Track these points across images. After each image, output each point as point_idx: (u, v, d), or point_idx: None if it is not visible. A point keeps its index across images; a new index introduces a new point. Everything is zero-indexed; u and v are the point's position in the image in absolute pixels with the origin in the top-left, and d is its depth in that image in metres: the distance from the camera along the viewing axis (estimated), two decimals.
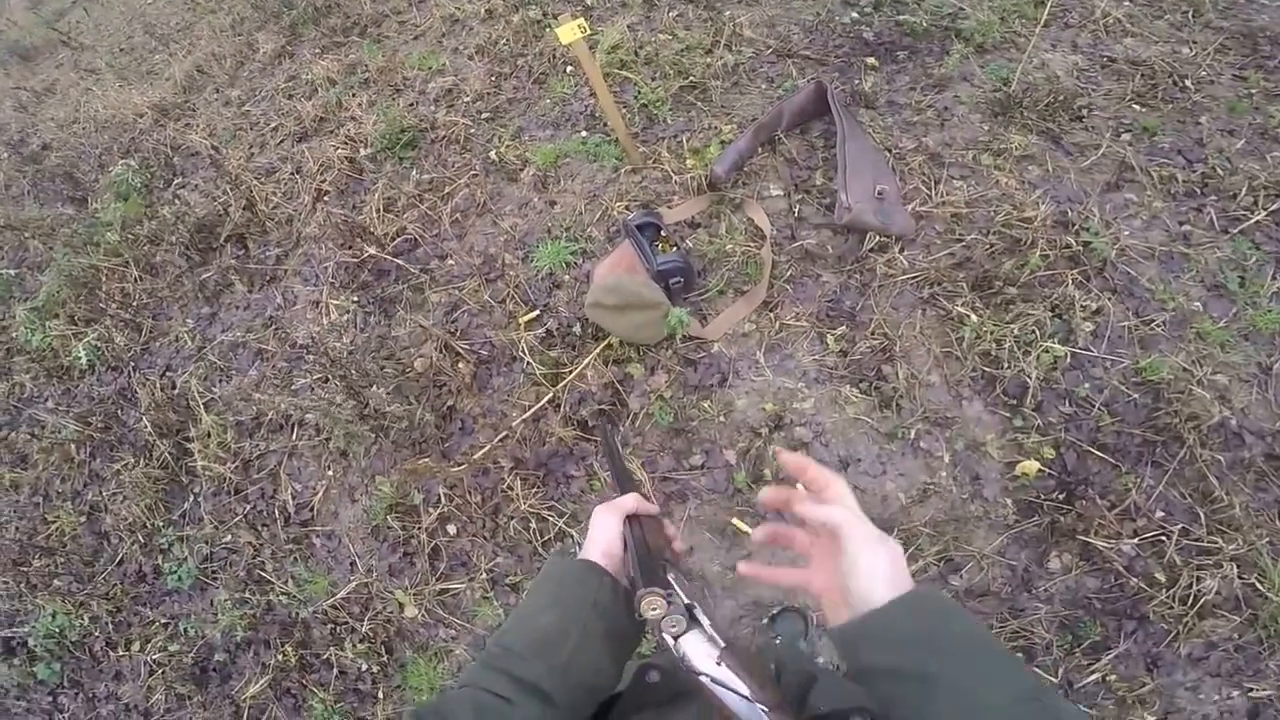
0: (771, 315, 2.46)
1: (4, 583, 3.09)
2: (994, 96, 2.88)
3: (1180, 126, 2.72)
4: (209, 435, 2.99)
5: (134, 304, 3.59)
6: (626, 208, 2.79)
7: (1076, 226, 2.41)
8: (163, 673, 2.68)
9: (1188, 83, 2.84)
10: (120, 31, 7.59)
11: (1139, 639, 1.85)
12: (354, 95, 3.93)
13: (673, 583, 0.72)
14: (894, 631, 0.63)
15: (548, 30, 3.64)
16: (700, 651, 0.67)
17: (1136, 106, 2.81)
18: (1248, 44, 2.97)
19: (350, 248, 3.12)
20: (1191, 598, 1.82)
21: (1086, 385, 2.15)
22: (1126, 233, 2.42)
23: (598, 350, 2.55)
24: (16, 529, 3.27)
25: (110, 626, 2.85)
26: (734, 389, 2.38)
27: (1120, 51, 3.05)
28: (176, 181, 4.14)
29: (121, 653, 2.81)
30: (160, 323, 3.50)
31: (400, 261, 3.02)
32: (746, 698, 0.61)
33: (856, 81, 3.03)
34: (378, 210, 3.16)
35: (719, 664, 0.65)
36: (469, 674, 0.73)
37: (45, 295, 3.77)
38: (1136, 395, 2.12)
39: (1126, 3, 3.28)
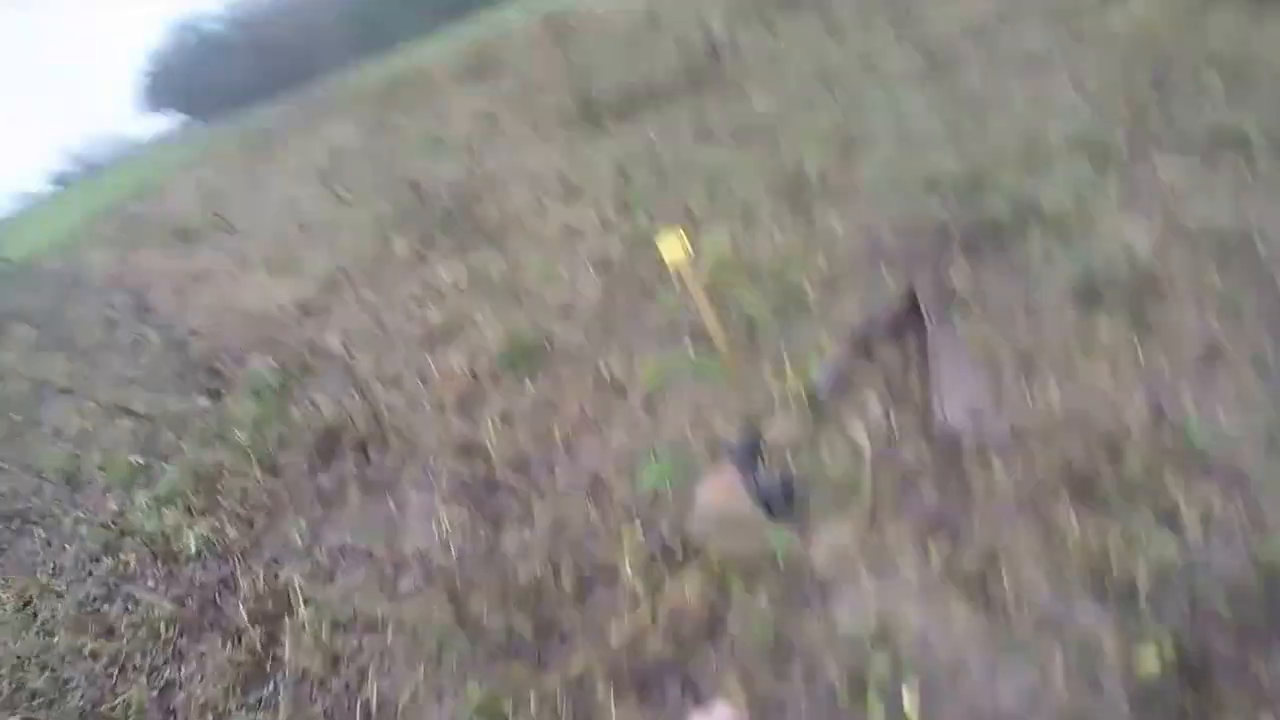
0: (872, 531, 2.74)
1: None
2: (1078, 282, 3.25)
3: (1260, 295, 2.99)
4: (303, 628, 3.35)
5: (251, 502, 4.18)
6: (730, 424, 3.25)
7: (1172, 420, 2.66)
8: None
9: (1259, 245, 3.16)
10: (272, 221, 9.35)
11: None
12: (479, 304, 4.74)
13: None
14: None
15: (657, 239, 4.39)
16: None
17: (1216, 276, 3.12)
18: None
19: (466, 462, 3.70)
20: None
21: (1201, 577, 2.27)
22: (1223, 418, 2.62)
23: (699, 568, 2.91)
24: (83, 695, 3.59)
25: None
26: (836, 605, 2.60)
27: (1191, 218, 3.43)
28: (310, 383, 4.93)
29: None
30: (274, 520, 4.05)
31: (512, 477, 3.55)
32: None
33: (946, 280, 3.49)
34: (494, 424, 3.76)
35: None
36: None
37: (167, 486, 4.45)
38: (1257, 582, 2.22)
39: (1186, 164, 3.73)
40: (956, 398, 2.89)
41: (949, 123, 4.94)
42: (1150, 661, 2.18)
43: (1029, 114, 4.82)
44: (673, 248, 3.04)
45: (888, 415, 3.09)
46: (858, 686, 2.41)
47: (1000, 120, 4.83)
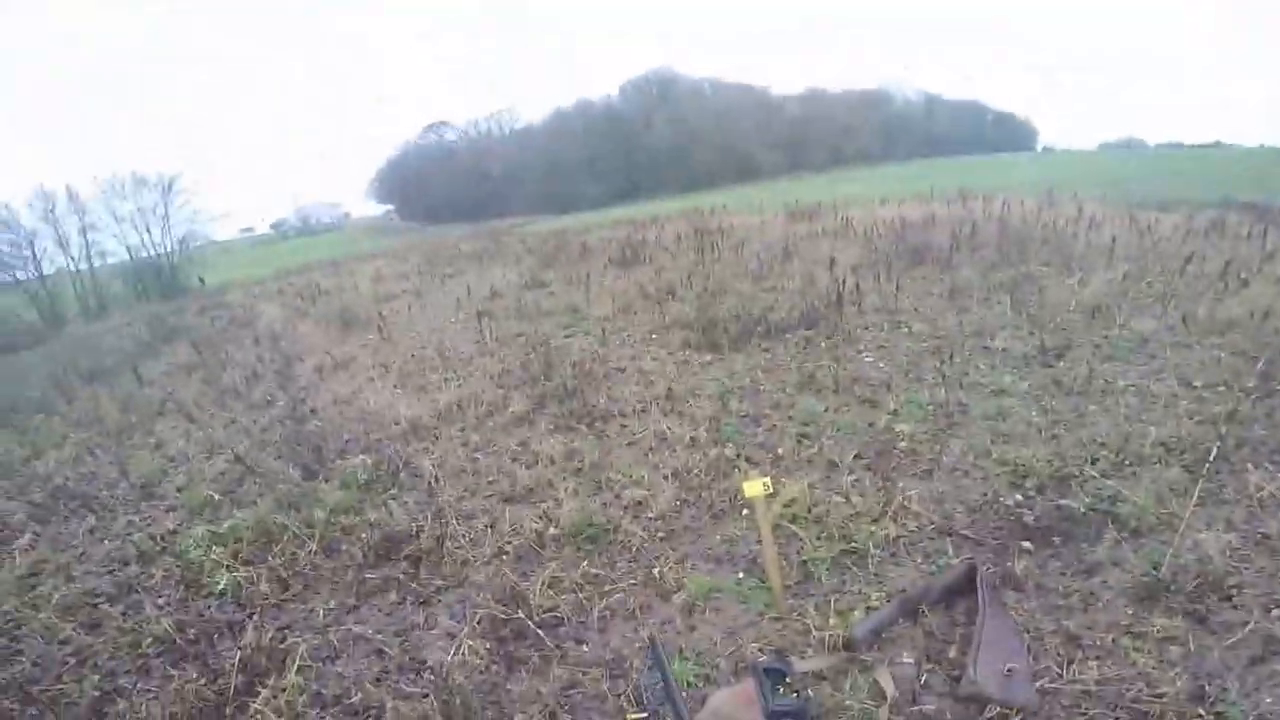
0: None
1: None
2: (1142, 581, 3.27)
3: None
4: (284, 690, 3.38)
5: (296, 568, 4.37)
6: (760, 650, 3.30)
7: (1212, 699, 2.66)
8: None
9: None
10: (421, 337, 10.26)
11: None
12: (564, 479, 5.06)
13: None
14: None
15: (736, 470, 4.62)
16: None
17: None
18: None
19: (504, 605, 3.83)
20: None
21: None
22: (1269, 700, 2.63)
23: None
24: (24, 672, 3.73)
25: None
26: None
27: (1275, 527, 3.40)
28: (391, 492, 5.24)
29: None
30: (307, 593, 4.20)
31: (541, 632, 3.63)
32: None
33: (1009, 563, 3.57)
34: (542, 583, 3.92)
35: None
36: None
37: (230, 527, 4.72)
38: None
39: (1278, 471, 3.73)
40: (991, 661, 2.96)
41: (1047, 410, 5.15)
42: None
43: (1129, 409, 4.99)
44: (754, 487, 3.34)
45: (919, 670, 3.12)
46: None
47: (1098, 414, 5.01)
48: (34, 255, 38.42)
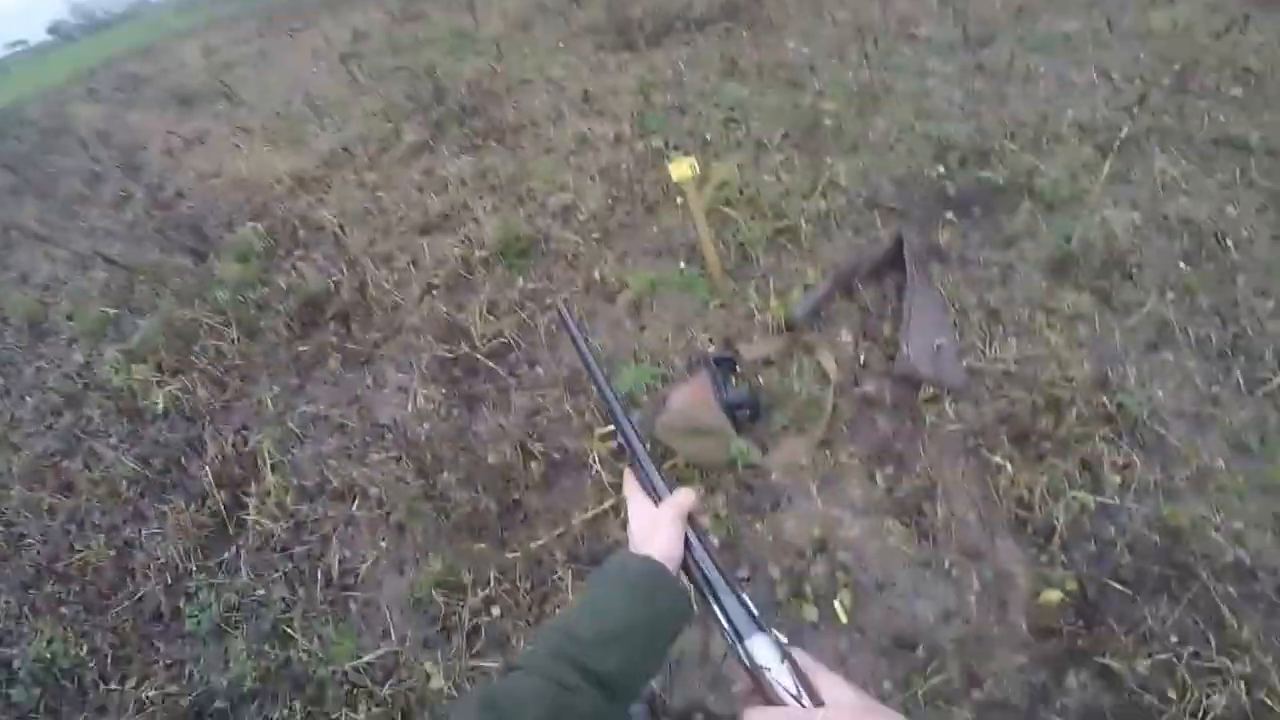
0: (827, 452, 2.93)
1: (5, 602, 3.44)
2: (1055, 255, 3.47)
3: (1219, 286, 3.24)
4: (269, 494, 3.43)
5: (225, 363, 4.20)
6: (710, 340, 3.38)
7: (1114, 386, 2.88)
8: (153, 712, 2.87)
9: (1229, 242, 3.43)
10: (280, 94, 9.23)
11: None
12: (480, 198, 4.81)
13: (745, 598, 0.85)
14: None
15: (666, 160, 4.46)
16: (766, 651, 0.79)
17: (1183, 265, 3.37)
18: None
19: (447, 343, 3.75)
20: (1202, 712, 2.09)
21: (1111, 528, 2.53)
22: (1160, 392, 2.87)
23: (663, 468, 3.04)
24: (39, 552, 3.68)
25: (109, 660, 3.11)
26: (785, 514, 2.80)
27: (1174, 210, 3.67)
28: (297, 253, 4.94)
29: (113, 687, 3.03)
30: (247, 385, 4.09)
31: (492, 363, 3.61)
32: (795, 696, 0.74)
33: (934, 235, 3.71)
34: (480, 311, 3.81)
35: (783, 662, 0.77)
36: (530, 660, 0.80)
37: (140, 340, 4.44)
38: (1157, 538, 2.47)
39: (1183, 161, 3.98)
40: (921, 340, 3.07)
41: (970, 93, 5.06)
42: (1053, 596, 2.43)
43: (1048, 93, 4.97)
44: (681, 168, 3.13)
45: (857, 349, 3.26)
46: (796, 586, 2.62)
47: (1019, 96, 4.97)
48: None
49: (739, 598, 0.84)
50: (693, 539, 0.92)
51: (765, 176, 4.27)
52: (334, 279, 4.42)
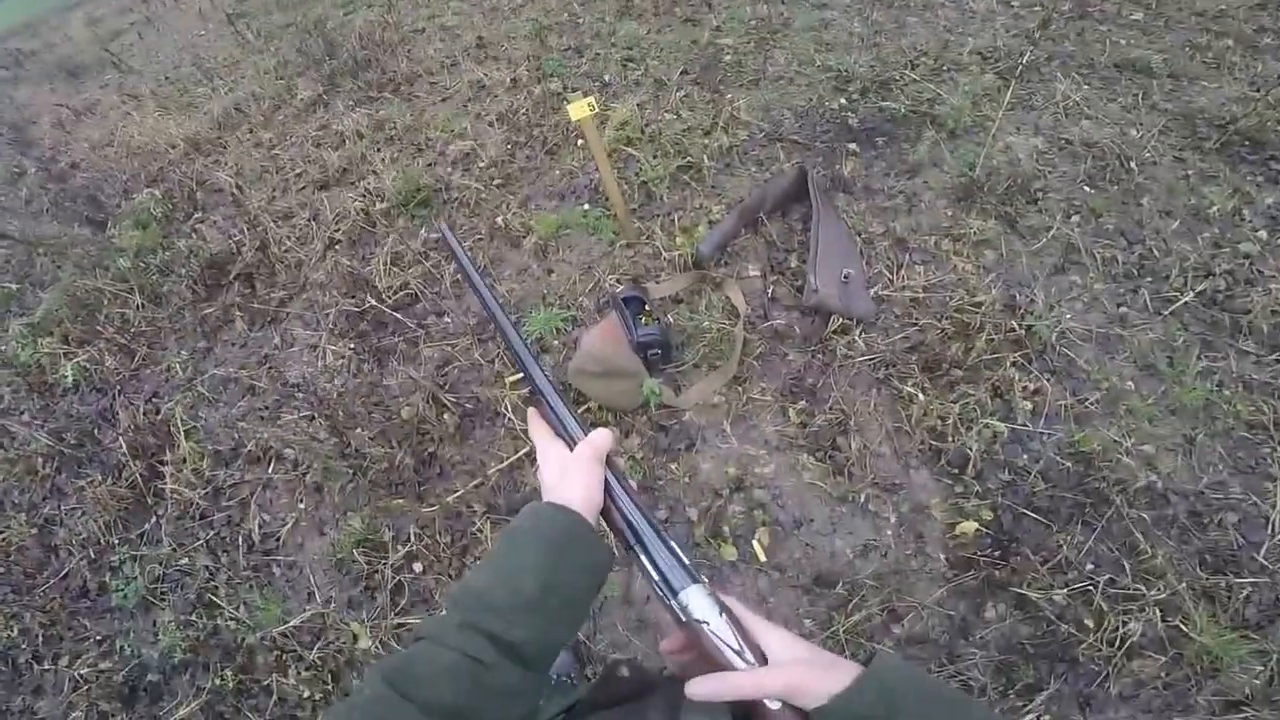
0: (740, 389, 2.92)
1: None
2: (959, 182, 3.47)
3: (1124, 208, 3.28)
4: (184, 461, 3.35)
5: (132, 330, 4.04)
6: (618, 281, 3.32)
7: (1022, 311, 2.90)
8: (88, 689, 2.86)
9: (1133, 164, 3.46)
10: (169, 60, 8.69)
11: (1070, 680, 2.18)
12: (378, 150, 4.62)
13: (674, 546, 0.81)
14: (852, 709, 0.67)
15: (565, 103, 4.35)
16: (702, 604, 0.75)
17: (1087, 188, 3.39)
18: (1188, 126, 3.64)
19: (353, 297, 3.63)
20: (1119, 640, 2.16)
21: (1024, 456, 2.56)
22: (1069, 315, 2.89)
23: (577, 412, 3.01)
24: None
25: (40, 640, 3.07)
26: (700, 453, 2.80)
27: (1076, 134, 3.69)
28: (196, 216, 4.73)
29: (47, 667, 3.01)
30: (154, 351, 3.94)
31: (399, 315, 3.51)
32: (737, 651, 0.72)
33: (837, 166, 3.68)
34: (384, 264, 3.69)
35: (720, 615, 0.75)
36: (439, 631, 0.74)
37: (43, 313, 4.25)
38: (1069, 464, 2.52)
39: (1085, 86, 4.00)
40: (828, 271, 3.04)
41: (870, 23, 4.97)
42: (969, 527, 2.46)
43: (948, 21, 4.89)
44: (580, 109, 3.02)
45: (765, 284, 3.23)
46: (714, 527, 2.63)
47: (918, 25, 4.88)
48: None
49: (669, 546, 0.79)
50: (614, 483, 0.86)
51: (666, 115, 4.17)
52: (235, 239, 4.25)
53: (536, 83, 4.83)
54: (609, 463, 0.89)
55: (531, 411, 0.98)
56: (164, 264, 4.30)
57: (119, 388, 3.84)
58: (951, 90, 4.05)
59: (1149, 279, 3.01)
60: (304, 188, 4.61)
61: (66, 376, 3.92)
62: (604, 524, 0.86)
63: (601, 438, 0.89)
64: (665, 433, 2.89)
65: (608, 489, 0.86)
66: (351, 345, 3.49)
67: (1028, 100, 3.97)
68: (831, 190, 3.52)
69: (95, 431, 3.71)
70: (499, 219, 3.81)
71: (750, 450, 2.78)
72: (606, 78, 4.79)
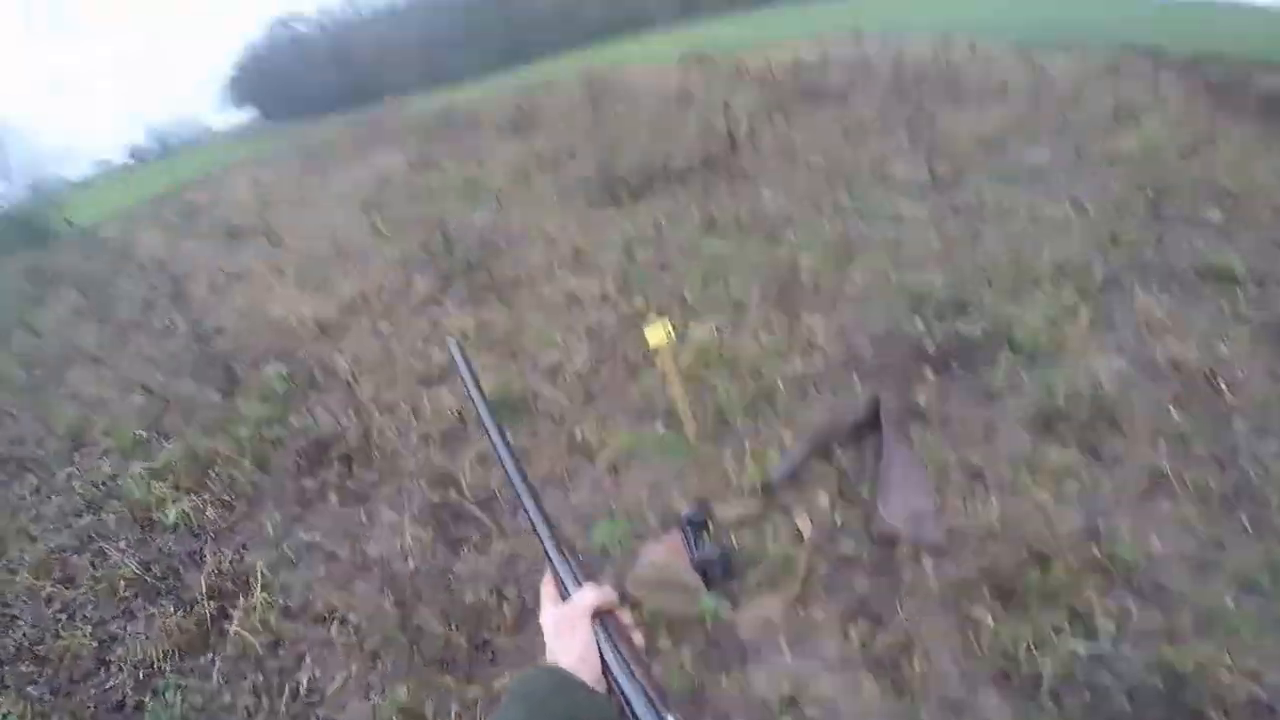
0: (800, 609, 2.94)
1: None
2: (1038, 408, 3.42)
3: (1214, 430, 3.15)
4: (254, 609, 3.55)
5: (236, 489, 4.44)
6: (685, 500, 3.52)
7: (1105, 538, 2.80)
8: None
9: (1222, 383, 3.33)
10: (312, 237, 9.88)
11: None
12: (479, 353, 5.07)
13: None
14: None
15: (644, 326, 4.66)
16: None
17: (1174, 412, 3.27)
18: (1278, 337, 3.50)
19: (439, 489, 3.98)
20: None
21: (1106, 676, 2.40)
22: (1157, 542, 2.77)
23: (579, 563, 3.14)
24: (24, 634, 3.79)
25: None
26: (754, 669, 2.79)
27: (1160, 353, 3.58)
28: (313, 396, 5.27)
29: None
30: (252, 510, 4.31)
31: (477, 511, 3.81)
32: None
33: (911, 394, 3.73)
34: (470, 463, 4.07)
35: None
36: None
37: (163, 461, 4.74)
38: (1159, 682, 2.35)
39: (1166, 296, 3.89)
40: (899, 500, 3.13)
41: (945, 237, 5.17)
42: None
43: (1023, 234, 5.03)
44: (657, 334, 3.34)
45: (834, 509, 3.29)
46: None
47: (993, 239, 5.04)
48: None
49: (651, 701, 0.74)
50: (603, 643, 0.80)
51: (744, 337, 4.41)
52: (342, 425, 4.71)
53: (623, 297, 5.24)
54: (608, 620, 0.83)
55: (546, 573, 0.93)
56: (276, 437, 4.80)
57: (213, 535, 4.17)
58: (1029, 308, 4.04)
59: (1247, 503, 2.87)
60: (410, 382, 5.13)
61: (169, 517, 4.28)
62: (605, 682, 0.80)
63: (592, 593, 0.84)
64: (719, 647, 2.92)
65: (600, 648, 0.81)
66: (430, 531, 3.75)
67: (1108, 318, 3.91)
68: (905, 419, 3.56)
69: (180, 569, 4.00)
70: (578, 432, 4.12)
71: (807, 669, 2.75)
72: (687, 296, 5.13)
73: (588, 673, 0.77)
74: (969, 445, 3.45)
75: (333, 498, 4.22)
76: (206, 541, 4.14)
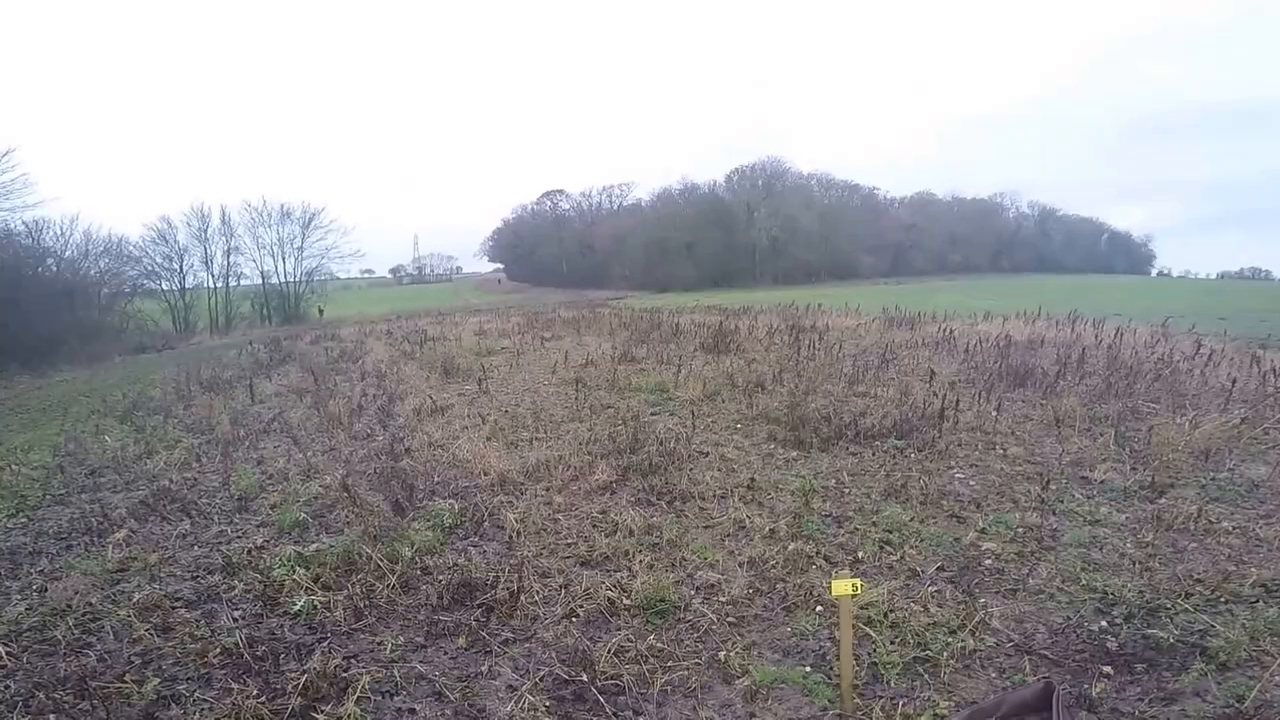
0: None
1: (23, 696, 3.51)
2: (1224, 712, 3.14)
3: None
4: (341, 719, 3.31)
5: (372, 599, 4.35)
6: None
7: None
8: None
9: None
10: (519, 399, 10.53)
11: None
12: (640, 553, 4.96)
13: None
14: None
15: (814, 567, 4.50)
16: None
17: None
18: None
19: (570, 667, 3.69)
20: None
21: None
22: None
23: None
24: (89, 665, 3.77)
25: None
26: None
27: None
28: (474, 540, 5.27)
29: None
30: (378, 625, 4.17)
31: (603, 699, 3.48)
32: None
33: (1086, 687, 3.38)
34: (609, 650, 3.77)
35: None
36: None
37: (316, 550, 4.77)
38: None
39: None
40: None
41: (1143, 544, 4.89)
42: None
43: (1231, 549, 4.74)
44: (843, 587, 3.26)
45: None
46: None
47: (1198, 551, 4.76)
48: (180, 270, 43.01)
49: None
50: None
51: (914, 605, 4.19)
52: (495, 573, 4.61)
53: (793, 539, 5.08)
54: None
55: None
56: (428, 567, 4.74)
57: (331, 633, 4.02)
58: (1228, 622, 3.79)
59: None
60: (569, 557, 5.03)
61: (296, 604, 4.21)
62: None
63: None
64: None
65: None
66: (548, 702, 3.45)
67: None
68: (1075, 709, 3.27)
69: (282, 657, 3.83)
70: (721, 653, 3.84)
71: None
72: (860, 554, 4.93)
73: None
74: None
75: (462, 639, 4.01)
76: (322, 640, 3.98)
